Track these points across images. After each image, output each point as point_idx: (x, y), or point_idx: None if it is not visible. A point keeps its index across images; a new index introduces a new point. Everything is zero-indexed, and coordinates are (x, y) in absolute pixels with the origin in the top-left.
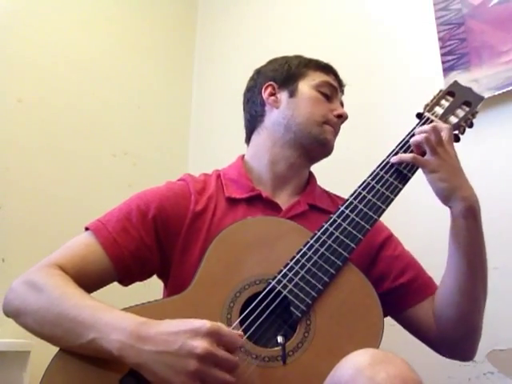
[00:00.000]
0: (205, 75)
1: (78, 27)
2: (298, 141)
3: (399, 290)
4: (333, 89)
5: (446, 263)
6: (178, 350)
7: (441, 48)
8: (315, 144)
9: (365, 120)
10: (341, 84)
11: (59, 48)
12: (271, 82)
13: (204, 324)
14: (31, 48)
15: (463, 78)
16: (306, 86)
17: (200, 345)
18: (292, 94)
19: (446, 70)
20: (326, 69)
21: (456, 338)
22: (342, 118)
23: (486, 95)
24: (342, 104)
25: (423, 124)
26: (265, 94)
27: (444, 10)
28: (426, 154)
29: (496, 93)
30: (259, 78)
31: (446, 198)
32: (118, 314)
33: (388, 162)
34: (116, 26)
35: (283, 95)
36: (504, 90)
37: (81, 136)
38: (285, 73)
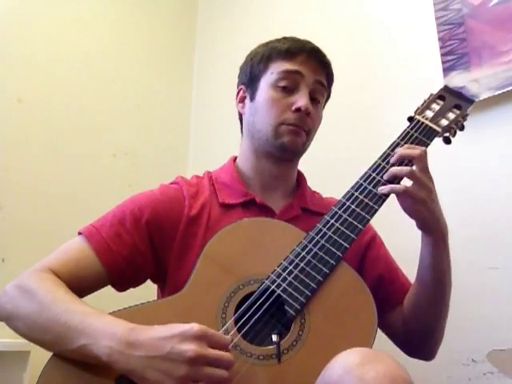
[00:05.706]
0: (205, 75)
1: (77, 27)
2: (263, 149)
3: (375, 295)
4: (296, 76)
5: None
6: (167, 355)
7: (441, 48)
8: (276, 150)
9: (364, 120)
10: (322, 61)
11: (59, 48)
12: (241, 86)
13: (192, 327)
14: (31, 47)
15: (463, 77)
16: (265, 85)
17: (189, 348)
18: (252, 97)
19: (446, 70)
20: (290, 52)
21: (419, 344)
22: (301, 111)
23: (486, 95)
24: (320, 84)
25: (413, 127)
26: (236, 100)
27: (444, 10)
28: (412, 185)
29: (496, 93)
30: (238, 80)
31: (426, 226)
32: (107, 320)
33: (380, 164)
34: (116, 25)
35: (247, 99)
36: (504, 90)
37: (81, 136)
38: (248, 72)
